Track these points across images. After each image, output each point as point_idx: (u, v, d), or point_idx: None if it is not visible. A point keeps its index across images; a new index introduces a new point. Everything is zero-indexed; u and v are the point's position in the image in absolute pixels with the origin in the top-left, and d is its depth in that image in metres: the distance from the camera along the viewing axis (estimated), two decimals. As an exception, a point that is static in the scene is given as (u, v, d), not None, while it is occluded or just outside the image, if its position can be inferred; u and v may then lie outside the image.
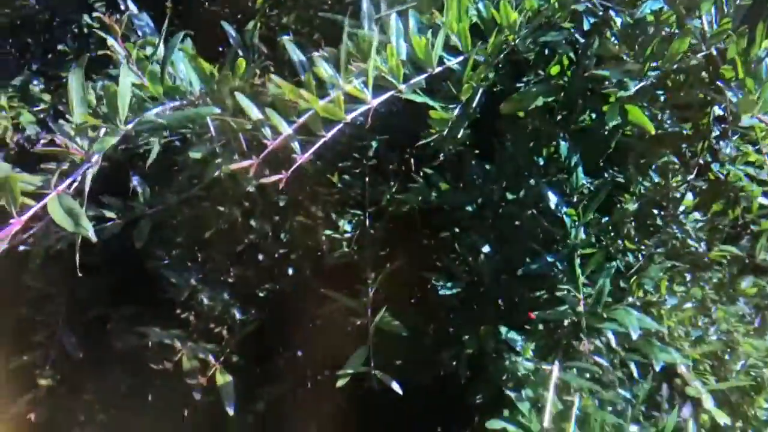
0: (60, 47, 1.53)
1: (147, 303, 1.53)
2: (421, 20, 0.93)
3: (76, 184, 0.84)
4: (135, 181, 1.28)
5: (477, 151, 1.25)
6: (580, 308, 0.92)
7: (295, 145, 0.80)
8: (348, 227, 1.29)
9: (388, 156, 1.34)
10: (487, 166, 1.20)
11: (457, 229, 1.25)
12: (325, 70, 0.81)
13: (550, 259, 0.96)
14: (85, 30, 1.54)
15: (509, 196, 1.12)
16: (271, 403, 1.44)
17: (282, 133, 0.79)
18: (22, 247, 1.21)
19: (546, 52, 1.09)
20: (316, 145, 0.82)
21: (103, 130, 0.86)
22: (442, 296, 1.22)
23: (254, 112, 0.79)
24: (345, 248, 1.29)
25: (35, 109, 1.56)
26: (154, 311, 1.49)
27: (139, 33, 1.14)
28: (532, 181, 1.10)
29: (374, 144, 1.32)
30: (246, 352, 1.42)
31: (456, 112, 0.91)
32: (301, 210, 1.35)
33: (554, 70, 1.09)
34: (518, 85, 1.17)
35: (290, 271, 1.40)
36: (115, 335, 1.56)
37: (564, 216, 0.96)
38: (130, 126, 0.83)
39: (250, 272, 1.37)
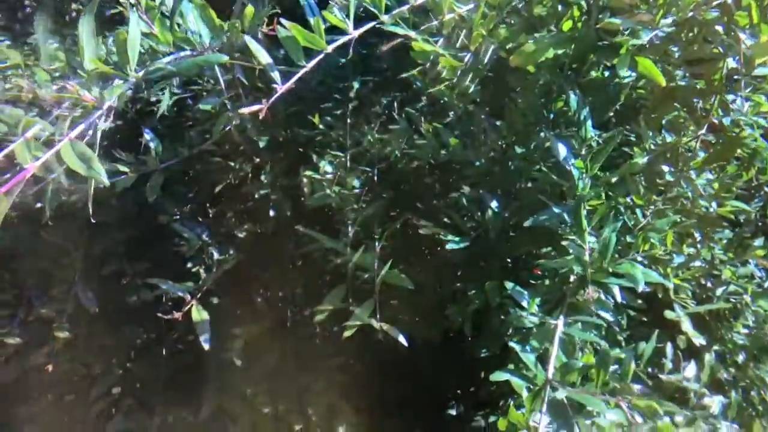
0: (74, 6, 1.54)
1: (161, 258, 1.55)
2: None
3: (90, 133, 0.86)
4: (147, 135, 1.30)
5: (488, 109, 1.24)
6: (586, 257, 0.92)
7: (276, 75, 0.80)
8: (356, 183, 1.29)
9: (399, 112, 1.34)
10: (498, 123, 1.20)
11: (466, 186, 1.25)
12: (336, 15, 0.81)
13: (556, 211, 0.96)
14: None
15: (518, 151, 1.12)
16: (280, 355, 1.47)
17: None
18: (39, 205, 1.24)
19: (559, 7, 1.08)
20: (298, 74, 0.82)
21: (116, 82, 0.88)
22: (450, 253, 1.23)
23: (263, 56, 0.80)
24: (354, 205, 1.29)
25: (50, 67, 1.58)
26: (167, 266, 1.51)
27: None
28: (542, 135, 1.10)
29: (384, 101, 1.32)
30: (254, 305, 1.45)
31: (466, 60, 0.90)
32: (308, 167, 1.35)
33: (566, 25, 1.08)
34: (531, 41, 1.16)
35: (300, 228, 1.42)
36: (129, 290, 1.60)
37: (572, 168, 0.96)
38: (140, 74, 0.84)
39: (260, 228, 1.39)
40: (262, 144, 1.32)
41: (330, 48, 0.81)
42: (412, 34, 0.86)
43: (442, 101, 1.26)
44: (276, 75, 0.79)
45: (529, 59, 1.04)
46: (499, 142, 1.19)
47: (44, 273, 1.61)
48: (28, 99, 1.40)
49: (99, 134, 0.80)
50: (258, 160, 1.40)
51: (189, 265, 1.38)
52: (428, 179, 1.32)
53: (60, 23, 1.56)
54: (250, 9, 0.90)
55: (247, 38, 0.81)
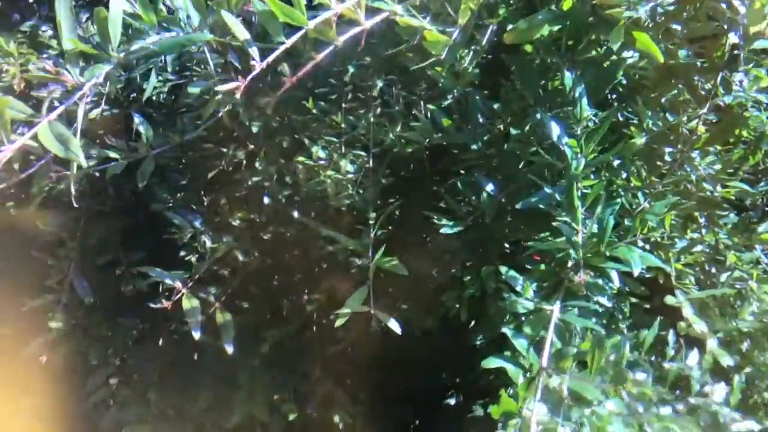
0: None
1: (155, 247, 1.54)
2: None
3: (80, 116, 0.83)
4: (137, 119, 1.27)
5: (485, 92, 1.21)
6: (578, 239, 0.89)
7: (284, 67, 0.78)
8: (351, 168, 1.27)
9: (393, 94, 1.31)
10: (495, 105, 1.17)
11: (462, 170, 1.22)
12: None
13: (548, 191, 0.93)
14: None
15: (514, 133, 1.09)
16: (276, 345, 1.45)
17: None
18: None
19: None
20: (307, 67, 0.79)
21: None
22: (445, 238, 1.20)
23: (241, 31, 0.77)
24: (349, 190, 1.27)
25: (44, 55, 1.56)
26: (162, 255, 1.50)
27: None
28: (537, 116, 1.07)
29: (379, 83, 1.29)
30: (250, 294, 1.43)
31: (454, 36, 0.87)
32: (303, 151, 1.33)
33: (566, 4, 1.05)
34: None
35: (294, 214, 1.40)
36: (124, 279, 1.59)
37: (566, 148, 0.93)
38: (122, 54, 0.81)
39: (253, 214, 1.37)
40: (254, 129, 1.30)
41: (341, 40, 0.78)
42: (398, 8, 0.83)
43: (439, 84, 1.23)
44: (254, 51, 0.76)
45: (523, 36, 1.01)
46: (495, 124, 1.15)
47: (39, 262, 1.59)
48: (20, 88, 1.38)
49: (81, 116, 0.78)
50: (252, 146, 1.37)
51: (182, 253, 1.36)
52: (423, 163, 1.29)
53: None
54: None
55: (224, 13, 0.78)
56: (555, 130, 0.95)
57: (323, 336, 1.45)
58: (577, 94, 0.97)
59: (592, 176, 0.93)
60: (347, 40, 0.82)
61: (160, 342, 1.65)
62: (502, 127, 1.15)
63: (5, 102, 0.77)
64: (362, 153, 1.29)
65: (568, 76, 0.98)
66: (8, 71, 1.36)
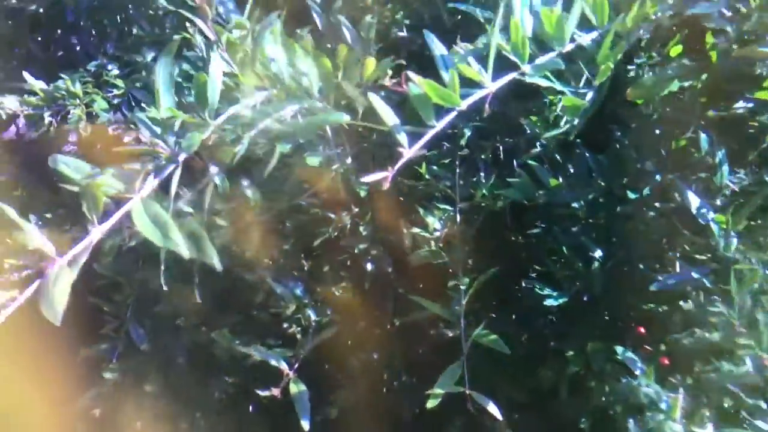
0: (135, 30, 1.45)
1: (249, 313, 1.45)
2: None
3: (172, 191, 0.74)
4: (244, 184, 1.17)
5: (590, 145, 1.10)
6: (738, 329, 0.76)
7: (403, 138, 0.68)
8: (437, 224, 1.16)
9: (481, 145, 1.21)
10: (600, 158, 1.06)
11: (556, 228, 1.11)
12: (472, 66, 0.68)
13: (695, 275, 0.81)
14: (161, 12, 1.45)
15: (631, 196, 0.97)
16: (344, 409, 1.34)
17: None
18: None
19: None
20: (427, 136, 0.69)
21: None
22: (539, 303, 1.09)
23: (390, 116, 0.67)
24: (433, 247, 1.16)
25: (109, 94, 1.50)
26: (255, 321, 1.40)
27: (220, 9, 1.04)
28: (657, 177, 0.95)
29: (467, 131, 1.18)
30: (319, 355, 1.32)
31: (589, 97, 0.76)
32: (384, 204, 1.23)
33: (674, 51, 0.94)
34: (629, 67, 1.03)
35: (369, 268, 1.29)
36: (184, 330, 1.50)
37: (711, 223, 0.81)
38: (220, 120, 0.72)
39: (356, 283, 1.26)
40: (362, 193, 1.19)
41: (464, 104, 0.68)
42: (527, 68, 0.73)
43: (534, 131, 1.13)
44: (403, 138, 0.66)
45: (650, 93, 0.90)
46: (603, 183, 1.04)
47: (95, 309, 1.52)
48: (85, 132, 1.31)
49: (173, 191, 0.69)
50: (357, 210, 1.27)
51: (285, 326, 1.26)
52: (512, 220, 1.18)
53: (120, 48, 1.48)
54: (371, 61, 0.78)
55: (373, 97, 0.68)
56: (694, 200, 0.83)
57: (395, 400, 1.34)
58: (717, 160, 0.85)
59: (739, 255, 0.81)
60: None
61: (216, 395, 1.56)
62: (612, 186, 1.03)
63: (99, 185, 0.68)
64: (448, 207, 1.19)
65: (703, 138, 0.87)
66: (74, 114, 1.29)
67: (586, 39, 0.76)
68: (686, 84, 0.90)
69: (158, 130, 0.69)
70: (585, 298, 1.06)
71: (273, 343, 1.26)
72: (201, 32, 1.16)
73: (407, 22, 1.29)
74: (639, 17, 0.76)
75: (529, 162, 1.08)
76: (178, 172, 0.70)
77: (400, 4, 1.30)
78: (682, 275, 0.82)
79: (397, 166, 0.68)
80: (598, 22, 0.75)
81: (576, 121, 0.86)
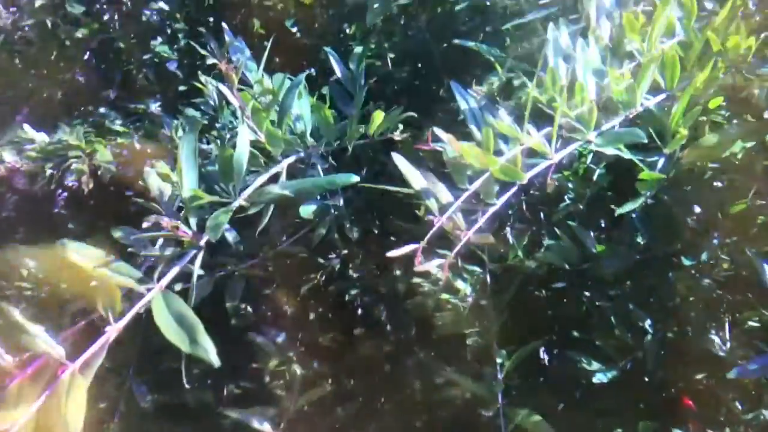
0: (140, 78, 1.39)
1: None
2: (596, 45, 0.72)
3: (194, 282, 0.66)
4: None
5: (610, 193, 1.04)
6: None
7: (459, 218, 0.60)
8: (468, 289, 1.08)
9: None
10: (643, 217, 0.99)
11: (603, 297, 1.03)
12: (506, 122, 0.61)
13: (777, 363, 0.73)
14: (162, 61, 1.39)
15: (686, 262, 0.90)
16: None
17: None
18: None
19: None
20: (487, 215, 0.62)
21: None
22: (583, 377, 1.00)
23: (418, 180, 0.60)
24: (463, 312, 1.07)
25: (112, 142, 1.43)
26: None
27: (234, 59, 0.97)
28: (715, 242, 0.88)
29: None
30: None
31: (659, 165, 0.69)
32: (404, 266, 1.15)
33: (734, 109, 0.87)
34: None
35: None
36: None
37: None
38: (245, 194, 0.64)
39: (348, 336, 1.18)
40: (355, 235, 1.12)
41: (526, 178, 0.61)
42: (592, 136, 0.66)
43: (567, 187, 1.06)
44: (433, 204, 0.59)
45: (708, 155, 0.83)
46: (651, 246, 0.97)
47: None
48: (88, 188, 1.22)
49: (195, 282, 0.60)
50: (345, 252, 1.20)
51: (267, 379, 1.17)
52: (554, 289, 1.10)
53: (122, 97, 1.41)
54: (378, 113, 0.71)
55: (396, 157, 0.61)
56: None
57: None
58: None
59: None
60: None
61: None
62: (660, 250, 0.96)
63: (117, 285, 0.59)
64: (477, 269, 1.11)
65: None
66: (77, 169, 1.20)
67: (652, 102, 0.69)
68: (748, 145, 0.83)
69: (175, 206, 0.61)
70: (634, 372, 0.97)
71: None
72: (212, 82, 1.10)
73: (407, 68, 1.24)
74: (711, 79, 0.69)
75: (569, 222, 1.01)
76: (200, 258, 0.62)
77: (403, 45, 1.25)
78: (763, 362, 0.74)
79: (456, 249, 0.60)
80: (666, 84, 0.69)
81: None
